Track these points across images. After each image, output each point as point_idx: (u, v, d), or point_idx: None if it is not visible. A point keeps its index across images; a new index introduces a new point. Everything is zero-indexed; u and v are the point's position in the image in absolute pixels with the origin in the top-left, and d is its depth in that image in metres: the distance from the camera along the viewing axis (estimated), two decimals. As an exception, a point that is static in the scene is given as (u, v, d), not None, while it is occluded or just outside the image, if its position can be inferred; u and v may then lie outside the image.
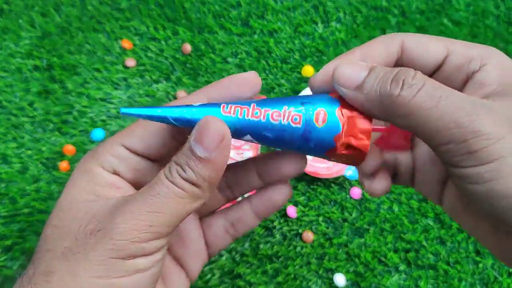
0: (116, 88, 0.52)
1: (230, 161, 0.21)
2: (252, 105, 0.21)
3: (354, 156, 0.22)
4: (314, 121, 0.21)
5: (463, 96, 0.19)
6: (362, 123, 0.21)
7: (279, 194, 0.26)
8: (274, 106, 0.21)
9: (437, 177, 0.24)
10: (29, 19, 0.54)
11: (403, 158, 0.25)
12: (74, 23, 0.54)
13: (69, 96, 0.51)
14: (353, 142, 0.21)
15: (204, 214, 0.27)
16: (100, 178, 0.22)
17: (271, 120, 0.21)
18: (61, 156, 0.49)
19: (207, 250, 0.27)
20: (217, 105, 0.21)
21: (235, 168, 0.26)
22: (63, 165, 0.49)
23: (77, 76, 0.52)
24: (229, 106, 0.21)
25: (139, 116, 0.21)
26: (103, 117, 0.51)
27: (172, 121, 0.21)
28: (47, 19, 0.54)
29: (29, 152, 0.49)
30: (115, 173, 0.22)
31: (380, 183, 0.24)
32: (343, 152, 0.21)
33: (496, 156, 0.17)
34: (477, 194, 0.18)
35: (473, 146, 0.18)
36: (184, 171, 0.19)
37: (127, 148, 0.22)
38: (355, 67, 0.21)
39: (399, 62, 0.23)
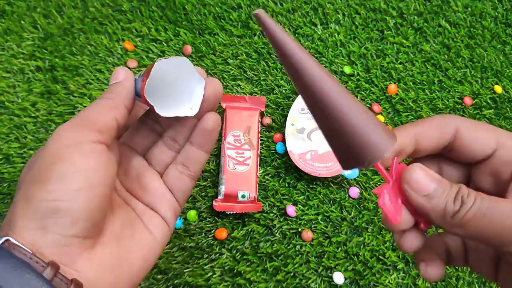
0: (117, 89, 0.53)
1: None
2: None
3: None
4: None
5: (507, 203, 0.22)
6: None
7: (208, 120, 0.31)
8: None
9: (491, 255, 0.27)
10: (32, 21, 0.55)
11: (452, 240, 0.28)
12: (76, 24, 0.55)
13: (71, 97, 0.52)
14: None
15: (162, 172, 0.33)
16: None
17: None
18: (63, 156, 0.50)
19: (173, 196, 0.32)
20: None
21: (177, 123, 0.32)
22: (65, 165, 0.49)
23: (79, 77, 0.53)
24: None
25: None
26: (105, 118, 0.51)
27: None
28: (49, 20, 0.55)
29: (32, 152, 0.49)
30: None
31: (435, 269, 0.26)
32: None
33: None
34: None
35: None
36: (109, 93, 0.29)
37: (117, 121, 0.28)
38: (427, 177, 0.23)
39: (449, 146, 0.25)
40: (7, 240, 0.23)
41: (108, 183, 0.26)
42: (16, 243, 0.23)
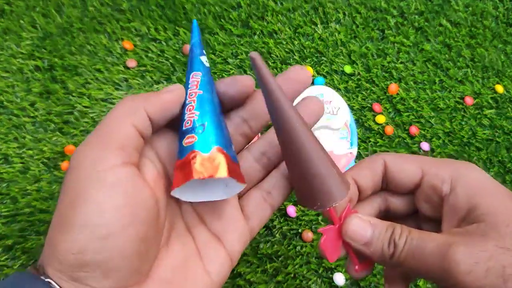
0: (117, 89, 0.53)
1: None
2: None
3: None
4: None
5: (432, 240, 0.23)
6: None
7: None
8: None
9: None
10: (31, 20, 0.54)
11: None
12: (75, 24, 0.55)
13: (70, 97, 0.51)
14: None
15: (243, 193, 0.29)
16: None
17: None
18: (63, 156, 0.49)
19: (247, 225, 0.27)
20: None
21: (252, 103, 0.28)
22: (65, 165, 0.49)
23: (78, 77, 0.52)
24: None
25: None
26: (104, 117, 0.51)
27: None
28: (49, 20, 0.55)
29: (30, 152, 0.49)
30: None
31: None
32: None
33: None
34: None
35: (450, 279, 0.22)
36: None
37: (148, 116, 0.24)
38: (363, 225, 0.25)
39: (384, 181, 0.28)
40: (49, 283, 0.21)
41: (146, 218, 0.22)
42: None
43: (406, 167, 0.26)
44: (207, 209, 0.26)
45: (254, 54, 0.22)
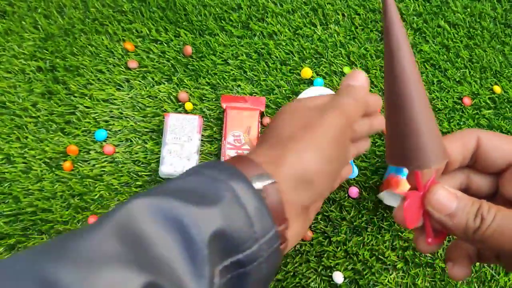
0: (118, 89, 0.53)
1: None
2: None
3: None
4: None
5: None
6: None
7: None
8: None
9: None
10: (33, 21, 0.55)
11: None
12: (77, 25, 0.55)
13: (72, 97, 0.52)
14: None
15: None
16: None
17: None
18: (64, 156, 0.50)
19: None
20: None
21: None
22: (66, 165, 0.49)
23: (80, 77, 0.53)
24: None
25: None
26: (106, 118, 0.52)
27: None
28: (50, 21, 0.55)
29: (33, 152, 0.50)
30: None
31: (460, 269, 0.27)
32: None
33: None
34: None
35: None
36: None
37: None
38: (449, 196, 0.24)
39: (474, 157, 0.27)
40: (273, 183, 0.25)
41: None
42: None
43: (502, 146, 0.26)
44: None
45: None
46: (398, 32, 0.23)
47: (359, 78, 0.31)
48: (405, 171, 0.45)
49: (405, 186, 0.44)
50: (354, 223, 0.49)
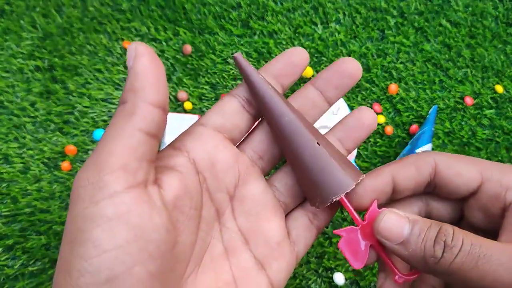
0: (117, 89, 0.53)
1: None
2: None
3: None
4: None
5: (502, 250, 0.19)
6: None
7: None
8: None
9: None
10: (31, 20, 0.54)
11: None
12: (75, 24, 0.55)
13: (70, 97, 0.51)
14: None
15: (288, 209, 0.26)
16: None
17: None
18: (63, 156, 0.49)
19: (294, 251, 0.24)
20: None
21: None
22: (65, 165, 0.49)
23: (78, 77, 0.52)
24: None
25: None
26: (105, 117, 0.51)
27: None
28: (49, 20, 0.55)
29: (31, 152, 0.49)
30: None
31: None
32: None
33: None
34: None
35: None
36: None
37: None
38: (400, 221, 0.21)
39: (432, 184, 0.23)
40: None
41: (158, 251, 0.18)
42: None
43: (463, 171, 0.22)
44: (253, 230, 0.23)
45: (237, 54, 0.23)
46: (258, 81, 0.23)
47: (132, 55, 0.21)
48: None
49: None
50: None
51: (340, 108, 0.52)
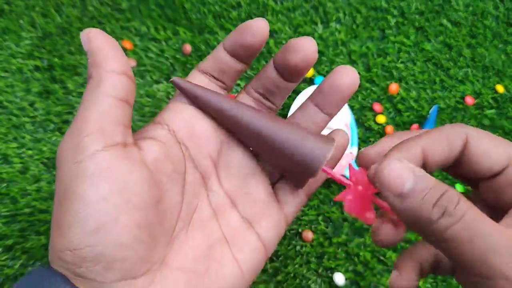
0: (116, 88, 0.53)
1: None
2: None
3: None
4: None
5: (501, 233, 0.18)
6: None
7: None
8: None
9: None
10: (30, 20, 0.54)
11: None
12: (75, 23, 0.54)
13: (69, 96, 0.51)
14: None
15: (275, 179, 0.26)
16: None
17: None
18: (62, 156, 0.49)
19: (282, 212, 0.25)
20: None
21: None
22: (64, 165, 0.49)
23: (78, 77, 0.52)
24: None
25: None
26: (104, 117, 0.51)
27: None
28: (48, 19, 0.54)
29: (30, 152, 0.49)
30: None
31: (404, 282, 0.23)
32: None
33: None
34: None
35: None
36: None
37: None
38: (402, 171, 0.19)
39: (458, 160, 0.22)
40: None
41: (141, 203, 0.20)
42: None
43: (493, 152, 0.21)
44: (240, 192, 0.24)
45: (175, 79, 0.23)
46: (207, 98, 0.23)
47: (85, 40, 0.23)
48: None
49: None
50: (355, 224, 0.49)
51: (340, 108, 0.51)
